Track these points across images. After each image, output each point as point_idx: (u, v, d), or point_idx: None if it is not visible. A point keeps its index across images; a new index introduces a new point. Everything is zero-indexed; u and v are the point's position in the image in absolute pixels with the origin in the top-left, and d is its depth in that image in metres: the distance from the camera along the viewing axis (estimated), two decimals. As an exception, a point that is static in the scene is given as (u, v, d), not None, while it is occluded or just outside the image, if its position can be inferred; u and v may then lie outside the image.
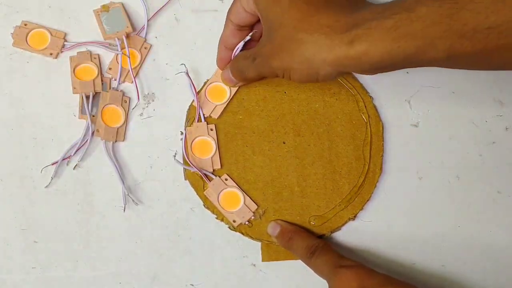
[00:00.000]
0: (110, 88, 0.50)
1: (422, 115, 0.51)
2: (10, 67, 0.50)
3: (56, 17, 0.51)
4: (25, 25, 0.50)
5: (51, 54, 0.50)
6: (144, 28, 0.51)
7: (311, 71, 0.41)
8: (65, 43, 0.50)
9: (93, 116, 0.49)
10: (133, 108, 0.50)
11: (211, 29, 0.52)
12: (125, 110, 0.49)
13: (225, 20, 0.47)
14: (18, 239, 0.48)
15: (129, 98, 0.50)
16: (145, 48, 0.51)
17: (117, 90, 0.50)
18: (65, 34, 0.51)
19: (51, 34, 0.50)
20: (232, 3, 0.46)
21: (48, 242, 0.48)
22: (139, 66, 0.51)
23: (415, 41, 0.36)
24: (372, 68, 0.39)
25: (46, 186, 0.48)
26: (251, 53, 0.45)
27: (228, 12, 0.47)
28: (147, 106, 0.50)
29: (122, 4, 0.51)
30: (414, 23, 0.36)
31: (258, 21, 0.45)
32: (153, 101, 0.50)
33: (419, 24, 0.35)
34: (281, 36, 0.41)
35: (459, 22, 0.35)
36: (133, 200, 0.48)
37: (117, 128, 0.49)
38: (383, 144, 0.50)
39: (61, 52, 0.50)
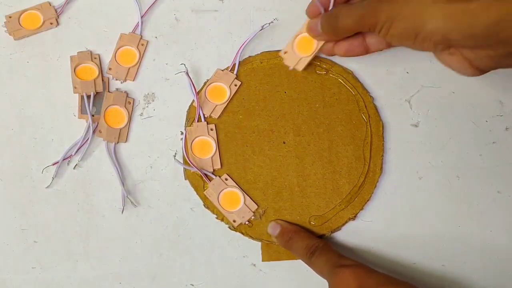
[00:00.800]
0: (108, 88, 0.50)
1: (422, 115, 0.51)
2: (10, 67, 0.50)
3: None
4: (10, 17, 0.50)
5: (51, 23, 0.51)
6: (138, 26, 0.51)
7: (418, 21, 0.38)
8: (56, 8, 0.51)
9: (93, 115, 0.49)
10: (133, 109, 0.50)
11: (211, 29, 0.52)
12: (128, 112, 0.49)
13: None
14: (18, 239, 0.48)
15: (133, 99, 0.50)
16: (142, 45, 0.51)
17: (122, 91, 0.50)
18: (49, 3, 0.51)
19: (39, 10, 0.51)
20: None
21: (48, 242, 0.48)
22: (138, 63, 0.51)
23: None
24: (484, 33, 0.35)
25: (47, 187, 0.48)
26: (361, 13, 0.42)
27: None
28: (147, 106, 0.50)
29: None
30: None
31: None
32: (153, 101, 0.51)
33: None
34: None
35: None
36: (132, 202, 0.48)
37: (120, 129, 0.49)
38: (383, 144, 0.50)
39: (59, 16, 0.51)
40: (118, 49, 0.51)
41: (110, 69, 0.50)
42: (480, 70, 0.40)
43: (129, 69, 0.50)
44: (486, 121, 0.51)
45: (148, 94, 0.51)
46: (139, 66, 0.51)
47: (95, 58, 0.50)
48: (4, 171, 0.49)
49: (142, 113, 0.50)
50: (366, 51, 0.47)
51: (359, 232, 0.49)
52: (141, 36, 0.51)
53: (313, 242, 0.46)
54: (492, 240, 0.49)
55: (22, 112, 0.50)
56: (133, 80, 0.50)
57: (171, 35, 0.52)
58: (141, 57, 0.51)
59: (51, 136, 0.49)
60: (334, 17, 0.45)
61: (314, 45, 0.49)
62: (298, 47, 0.49)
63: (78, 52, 0.50)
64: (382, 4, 0.40)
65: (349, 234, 0.49)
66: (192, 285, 0.48)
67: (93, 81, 0.49)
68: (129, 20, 0.52)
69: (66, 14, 0.52)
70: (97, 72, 0.50)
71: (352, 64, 0.51)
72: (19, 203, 0.48)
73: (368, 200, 0.49)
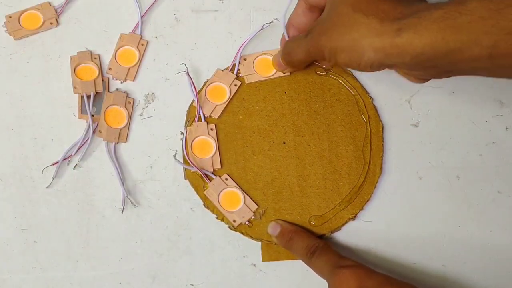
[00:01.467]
0: (108, 88, 0.50)
1: (422, 115, 0.51)
2: (10, 67, 0.50)
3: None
4: (10, 17, 0.50)
5: (51, 23, 0.51)
6: (138, 26, 0.51)
7: (356, 54, 0.40)
8: (56, 8, 0.51)
9: (93, 116, 0.49)
10: (133, 109, 0.50)
11: (211, 29, 0.52)
12: (128, 112, 0.49)
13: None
14: (18, 239, 0.48)
15: (133, 99, 0.50)
16: (142, 45, 0.51)
17: (122, 91, 0.50)
18: (49, 3, 0.51)
19: (39, 10, 0.51)
20: None
21: (48, 242, 0.48)
22: (138, 63, 0.51)
23: (459, 35, 0.35)
24: (413, 61, 0.37)
25: (47, 187, 0.48)
26: (305, 32, 0.45)
27: None
28: (147, 106, 0.50)
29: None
30: (462, 16, 0.34)
31: None
32: (153, 101, 0.51)
33: (466, 17, 0.34)
34: (338, 14, 0.41)
35: (507, 18, 0.33)
36: (132, 202, 0.48)
37: (120, 129, 0.49)
38: (383, 144, 0.50)
39: (58, 16, 0.51)
40: (118, 49, 0.51)
41: (110, 69, 0.50)
42: (424, 80, 0.43)
43: (129, 69, 0.50)
44: (486, 121, 0.51)
45: (148, 94, 0.51)
46: (139, 66, 0.51)
47: (95, 58, 0.50)
48: (4, 171, 0.49)
49: (142, 113, 0.50)
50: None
51: (359, 232, 0.49)
52: (141, 36, 0.51)
53: (313, 243, 0.46)
54: (492, 240, 0.49)
55: (22, 112, 0.50)
56: (133, 80, 0.50)
57: (171, 35, 0.52)
58: (141, 57, 0.51)
59: (51, 136, 0.49)
60: (287, 54, 0.48)
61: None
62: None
63: (78, 52, 0.50)
64: (321, 39, 0.42)
65: (349, 234, 0.49)
66: (192, 285, 0.48)
67: (93, 81, 0.49)
68: (129, 20, 0.52)
69: (66, 14, 0.52)
70: (97, 72, 0.50)
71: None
72: (19, 203, 0.48)
73: (368, 200, 0.49)
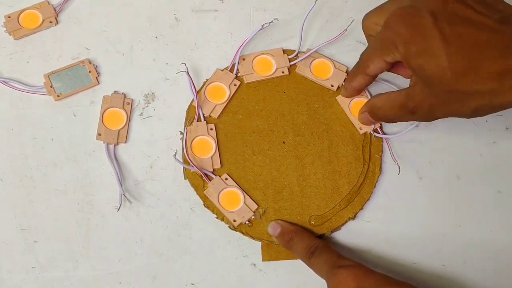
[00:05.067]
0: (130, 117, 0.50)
1: (422, 115, 0.51)
2: (10, 67, 0.50)
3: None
4: (9, 17, 0.50)
5: (50, 22, 0.51)
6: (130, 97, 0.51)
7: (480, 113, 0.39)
8: (55, 6, 0.51)
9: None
10: (133, 109, 0.50)
11: (211, 29, 0.52)
12: (127, 112, 0.49)
13: (357, 66, 0.46)
14: (18, 239, 0.48)
15: (132, 100, 0.50)
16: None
17: (119, 93, 0.50)
18: (48, 1, 0.51)
19: (38, 9, 0.51)
20: (370, 55, 0.44)
21: (48, 242, 0.48)
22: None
23: None
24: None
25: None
26: (403, 104, 0.43)
27: (363, 62, 0.45)
28: (147, 106, 0.50)
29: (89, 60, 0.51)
30: None
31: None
32: (153, 101, 0.51)
33: None
34: (443, 91, 0.39)
35: None
36: (127, 200, 0.48)
37: (119, 130, 0.49)
38: (382, 144, 0.50)
39: (58, 15, 0.51)
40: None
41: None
42: None
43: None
44: (486, 121, 0.51)
45: (148, 94, 0.51)
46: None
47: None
48: (4, 171, 0.49)
49: (142, 113, 0.50)
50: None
51: (359, 232, 0.49)
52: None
53: (313, 243, 0.46)
54: (492, 240, 0.49)
55: (22, 112, 0.50)
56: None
57: (171, 35, 0.52)
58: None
59: (51, 136, 0.49)
60: (388, 118, 0.46)
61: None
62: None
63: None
64: (439, 111, 0.41)
65: (349, 234, 0.49)
66: (193, 284, 0.48)
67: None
68: (128, 20, 0.52)
69: (66, 14, 0.52)
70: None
71: (351, 64, 0.51)
72: (19, 203, 0.48)
73: (367, 200, 0.49)
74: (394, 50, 0.40)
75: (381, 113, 0.45)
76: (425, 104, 0.41)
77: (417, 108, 0.42)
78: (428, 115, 0.42)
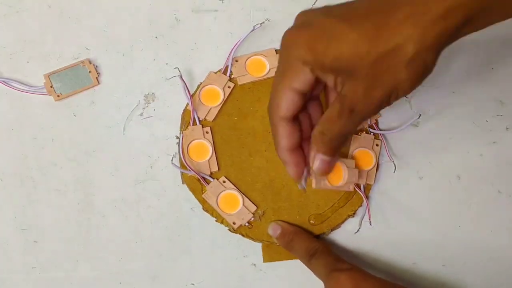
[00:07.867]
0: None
1: (422, 115, 0.51)
2: (10, 67, 0.50)
3: (56, 17, 0.51)
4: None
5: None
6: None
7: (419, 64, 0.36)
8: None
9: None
10: (133, 109, 0.50)
11: (211, 29, 0.52)
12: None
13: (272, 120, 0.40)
14: (18, 239, 0.48)
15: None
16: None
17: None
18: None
19: None
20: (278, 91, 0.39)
21: (48, 242, 0.48)
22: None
23: None
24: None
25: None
26: (340, 108, 0.38)
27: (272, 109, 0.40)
28: (147, 106, 0.50)
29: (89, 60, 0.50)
30: None
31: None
32: (153, 101, 0.51)
33: None
34: (367, 65, 0.35)
35: None
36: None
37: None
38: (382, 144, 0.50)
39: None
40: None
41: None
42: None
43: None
44: (486, 121, 0.51)
45: (148, 94, 0.51)
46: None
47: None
48: (4, 171, 0.49)
49: (142, 113, 0.50)
50: None
51: (359, 233, 0.49)
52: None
53: (313, 245, 0.46)
54: (492, 240, 0.49)
55: (22, 112, 0.50)
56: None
57: (171, 35, 0.52)
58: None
59: (51, 136, 0.49)
60: (342, 136, 0.40)
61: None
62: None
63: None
64: (375, 91, 0.37)
65: (349, 234, 0.49)
66: (193, 284, 0.48)
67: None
68: (128, 20, 0.52)
69: (66, 13, 0.52)
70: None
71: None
72: (19, 203, 0.48)
73: (367, 198, 0.49)
74: (303, 65, 0.37)
75: (328, 134, 0.39)
76: (359, 93, 0.37)
77: (354, 101, 0.37)
78: (368, 102, 0.37)
